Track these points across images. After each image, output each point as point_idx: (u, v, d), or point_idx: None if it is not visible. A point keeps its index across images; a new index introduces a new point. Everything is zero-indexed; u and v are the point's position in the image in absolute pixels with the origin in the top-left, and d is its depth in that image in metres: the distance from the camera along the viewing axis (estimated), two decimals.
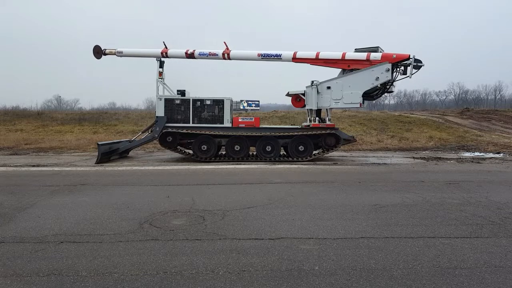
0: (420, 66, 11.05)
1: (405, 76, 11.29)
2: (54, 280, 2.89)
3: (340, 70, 12.10)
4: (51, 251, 3.52)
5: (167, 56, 12.71)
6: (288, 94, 12.27)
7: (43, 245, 3.66)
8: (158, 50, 12.73)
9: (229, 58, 12.61)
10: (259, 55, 12.30)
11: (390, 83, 11.54)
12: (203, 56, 12.66)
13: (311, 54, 11.91)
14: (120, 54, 12.94)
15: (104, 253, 3.44)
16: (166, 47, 12.86)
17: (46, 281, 2.88)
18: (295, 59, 12.06)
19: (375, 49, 11.62)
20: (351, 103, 11.55)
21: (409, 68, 11.10)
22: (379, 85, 11.50)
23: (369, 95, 11.88)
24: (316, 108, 11.87)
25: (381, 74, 11.16)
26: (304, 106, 12.10)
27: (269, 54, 12.27)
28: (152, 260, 3.29)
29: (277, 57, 12.24)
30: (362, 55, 11.53)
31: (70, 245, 3.68)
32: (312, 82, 11.76)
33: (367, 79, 11.28)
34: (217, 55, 12.56)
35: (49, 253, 3.45)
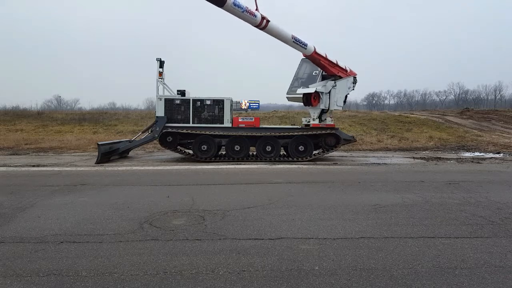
0: (356, 83, 13.17)
1: (352, 89, 13.14)
2: (54, 280, 2.89)
3: (314, 73, 12.69)
4: (51, 251, 3.52)
5: None
6: (316, 91, 11.98)
7: (43, 245, 3.66)
8: None
9: (263, 29, 10.49)
10: (293, 37, 11.06)
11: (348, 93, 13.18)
12: (237, 9, 9.62)
13: (323, 53, 11.94)
14: None
15: (104, 253, 3.44)
16: None
17: (46, 281, 2.88)
18: (315, 53, 11.67)
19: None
20: (340, 106, 12.71)
21: (353, 84, 13.15)
22: (348, 94, 13.05)
23: None
24: (328, 108, 12.20)
25: (351, 84, 12.96)
26: (317, 105, 12.13)
27: (300, 40, 11.20)
28: (152, 260, 3.29)
29: (304, 46, 11.35)
30: (343, 65, 12.62)
31: (70, 245, 3.68)
32: (335, 81, 12.14)
33: (346, 87, 12.79)
34: (255, 16, 10.02)
35: (49, 253, 3.45)
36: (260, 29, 10.42)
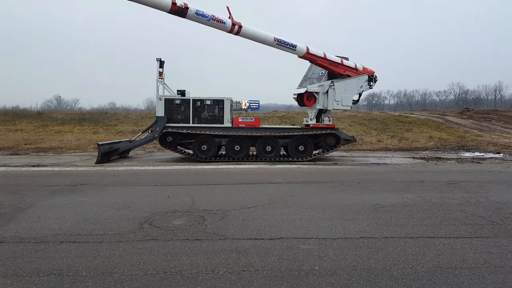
0: (376, 81, 13.01)
1: (368, 88, 12.93)
2: (54, 280, 2.89)
3: (321, 73, 12.57)
4: (51, 251, 3.52)
5: None
6: (307, 91, 11.97)
7: (43, 245, 3.66)
8: None
9: (237, 34, 10.47)
10: (275, 39, 10.88)
11: (362, 92, 13.06)
12: (201, 18, 9.71)
13: (320, 53, 11.80)
14: None
15: (104, 253, 3.44)
16: None
17: (46, 281, 2.88)
18: (308, 54, 11.53)
19: (346, 58, 12.52)
20: (347, 105, 12.50)
21: (371, 82, 12.91)
22: (361, 92, 12.87)
23: None
24: (326, 108, 12.12)
25: (364, 83, 12.68)
26: (313, 105, 12.09)
27: (285, 42, 11.05)
28: (152, 260, 3.29)
29: (292, 48, 11.20)
30: (352, 64, 12.44)
31: (70, 245, 3.68)
32: (332, 81, 12.08)
33: (356, 86, 12.58)
34: (224, 23, 10.01)
35: (49, 253, 3.45)
36: (234, 34, 10.47)
